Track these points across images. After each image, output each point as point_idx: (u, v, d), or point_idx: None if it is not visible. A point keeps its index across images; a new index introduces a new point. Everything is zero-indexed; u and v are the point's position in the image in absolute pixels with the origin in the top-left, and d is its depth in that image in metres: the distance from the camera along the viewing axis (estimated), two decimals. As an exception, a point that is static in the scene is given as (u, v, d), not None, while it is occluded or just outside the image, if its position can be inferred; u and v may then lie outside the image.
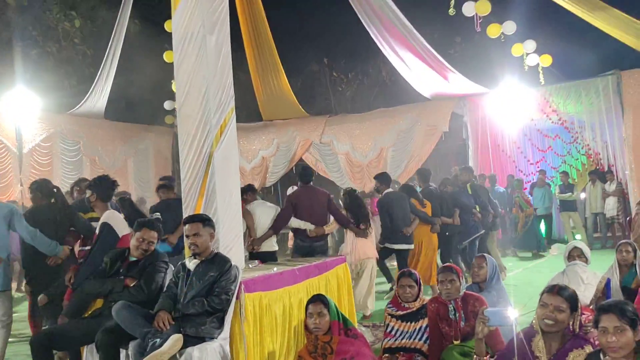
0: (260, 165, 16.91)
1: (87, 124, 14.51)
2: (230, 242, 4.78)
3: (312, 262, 5.66)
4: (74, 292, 5.05)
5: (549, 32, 16.22)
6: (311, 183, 7.44)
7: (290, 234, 9.03)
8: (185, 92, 4.84)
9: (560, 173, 13.47)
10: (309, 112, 16.84)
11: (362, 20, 13.23)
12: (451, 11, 12.43)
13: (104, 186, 5.55)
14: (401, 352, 4.55)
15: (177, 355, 3.94)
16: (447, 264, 5.36)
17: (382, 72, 20.48)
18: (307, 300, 4.54)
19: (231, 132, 4.89)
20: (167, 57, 14.33)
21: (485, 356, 3.66)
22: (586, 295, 5.18)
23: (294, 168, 16.28)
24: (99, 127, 14.88)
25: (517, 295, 7.48)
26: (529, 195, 13.09)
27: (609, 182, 12.99)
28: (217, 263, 4.30)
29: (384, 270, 8.52)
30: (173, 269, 4.66)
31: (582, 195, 13.80)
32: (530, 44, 13.87)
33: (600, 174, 13.12)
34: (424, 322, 4.58)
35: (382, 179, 8.61)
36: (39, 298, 5.54)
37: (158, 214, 6.49)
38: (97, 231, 5.35)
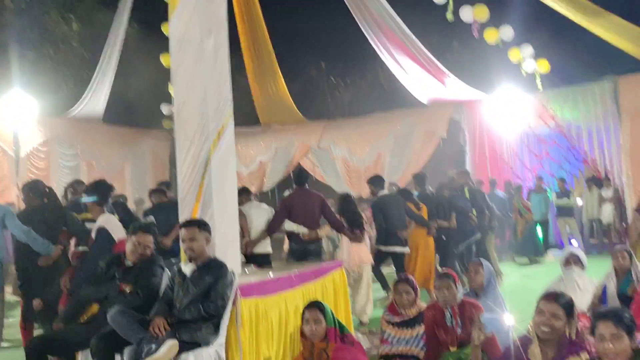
0: (257, 170, 16.91)
1: (85, 127, 14.50)
2: (226, 247, 4.75)
3: (308, 267, 5.63)
4: (70, 297, 5.03)
5: (546, 38, 16.28)
6: (306, 185, 7.43)
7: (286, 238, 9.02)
8: (182, 96, 4.82)
9: (557, 179, 13.48)
10: (307, 117, 16.85)
11: (360, 25, 13.26)
12: (449, 16, 12.45)
13: (101, 190, 5.53)
14: (398, 359, 4.53)
15: (173, 361, 3.92)
16: (444, 270, 5.35)
17: (379, 77, 20.50)
18: (303, 307, 4.52)
19: (229, 137, 4.87)
20: (164, 60, 14.32)
21: (482, 363, 3.65)
22: (582, 301, 5.18)
23: (291, 173, 16.28)
24: (96, 131, 14.87)
25: (513, 302, 7.42)
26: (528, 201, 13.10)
27: (605, 189, 12.98)
28: (213, 268, 4.28)
29: (379, 277, 8.39)
30: (169, 273, 4.65)
31: (579, 202, 13.81)
32: (527, 49, 13.91)
33: (597, 180, 13.12)
34: (420, 329, 4.57)
35: (376, 181, 8.58)
36: (34, 303, 5.52)
37: (152, 217, 6.47)
38: (93, 236, 5.33)
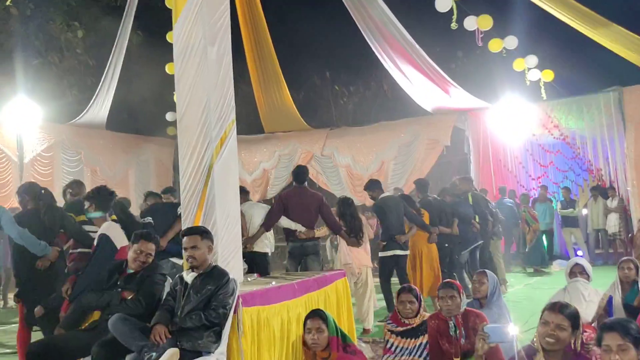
0: (261, 177, 16.93)
1: (89, 134, 14.53)
2: (229, 255, 4.73)
3: (311, 276, 5.61)
4: (71, 304, 5.00)
5: (550, 48, 16.29)
6: (305, 184, 7.41)
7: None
8: (185, 103, 4.82)
9: (562, 189, 13.44)
10: (311, 125, 16.86)
11: (364, 34, 13.27)
12: (453, 25, 12.45)
13: (102, 197, 5.51)
14: (401, 369, 4.50)
15: (173, 370, 3.89)
16: (448, 279, 5.31)
17: (383, 86, 20.49)
18: (305, 315, 4.49)
19: (231, 144, 4.87)
20: (169, 68, 14.34)
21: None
22: (588, 312, 5.13)
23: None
24: (100, 138, 14.90)
25: (518, 312, 7.42)
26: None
27: (610, 199, 12.94)
28: (215, 276, 4.25)
29: (386, 295, 7.96)
30: (170, 280, 4.62)
31: (584, 212, 13.76)
32: (532, 59, 13.90)
33: (602, 190, 13.08)
34: (424, 339, 4.52)
35: (372, 186, 8.45)
36: (35, 310, 5.48)
37: (150, 218, 6.44)
38: (95, 242, 5.31)
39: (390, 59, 13.56)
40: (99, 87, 13.73)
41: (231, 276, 4.30)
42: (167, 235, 6.23)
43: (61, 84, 16.70)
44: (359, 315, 7.21)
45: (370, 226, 8.65)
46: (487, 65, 17.33)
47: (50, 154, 13.53)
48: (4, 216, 5.54)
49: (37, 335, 5.55)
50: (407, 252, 8.21)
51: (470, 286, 7.25)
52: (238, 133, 5.05)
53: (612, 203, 12.90)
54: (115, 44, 13.05)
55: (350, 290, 6.19)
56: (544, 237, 13.07)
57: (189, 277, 4.32)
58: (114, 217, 5.68)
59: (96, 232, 5.43)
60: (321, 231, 7.33)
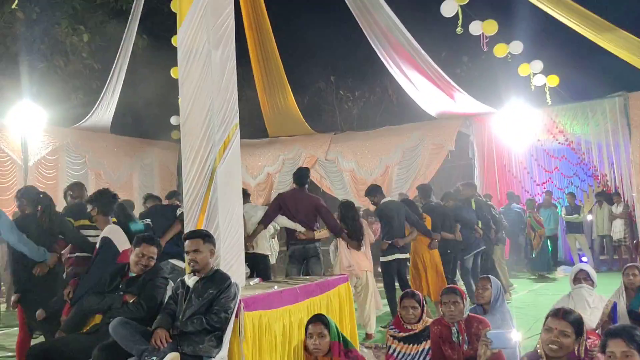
0: (265, 182, 16.91)
1: (93, 137, 14.56)
2: (231, 259, 4.72)
3: (313, 280, 5.59)
4: (73, 307, 4.99)
5: (555, 53, 16.24)
6: (306, 186, 7.39)
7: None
8: (189, 107, 4.82)
9: (567, 194, 13.39)
10: (315, 130, 16.85)
11: (369, 39, 13.27)
12: (459, 30, 12.44)
13: (104, 200, 5.51)
14: (403, 375, 4.47)
15: (174, 374, 3.88)
16: (451, 285, 5.29)
17: (388, 91, 20.50)
18: (307, 320, 4.47)
19: (234, 148, 4.86)
20: (174, 72, 14.36)
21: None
22: (592, 319, 5.09)
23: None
24: (104, 141, 14.92)
25: (521, 318, 7.39)
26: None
27: (615, 204, 12.88)
28: (217, 280, 4.24)
29: (392, 305, 7.88)
30: (172, 285, 4.61)
31: (589, 217, 13.70)
32: (537, 64, 13.87)
33: (607, 196, 13.03)
34: (426, 345, 4.50)
35: (373, 191, 8.43)
36: (37, 313, 5.47)
37: (148, 220, 6.43)
38: (97, 245, 5.30)
39: (396, 64, 13.55)
40: (103, 90, 13.76)
41: (233, 280, 4.29)
42: (165, 237, 6.23)
43: (66, 87, 16.75)
44: (360, 320, 7.19)
45: (372, 232, 8.60)
46: (492, 70, 17.32)
47: (54, 157, 13.56)
48: (2, 220, 5.49)
49: (37, 340, 5.53)
50: (408, 256, 8.21)
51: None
52: (242, 137, 5.04)
53: (618, 209, 12.84)
54: (120, 47, 13.09)
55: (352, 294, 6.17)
56: (548, 243, 13.02)
57: (190, 281, 4.31)
58: (114, 219, 5.67)
59: (95, 236, 5.41)
60: (321, 233, 7.33)
